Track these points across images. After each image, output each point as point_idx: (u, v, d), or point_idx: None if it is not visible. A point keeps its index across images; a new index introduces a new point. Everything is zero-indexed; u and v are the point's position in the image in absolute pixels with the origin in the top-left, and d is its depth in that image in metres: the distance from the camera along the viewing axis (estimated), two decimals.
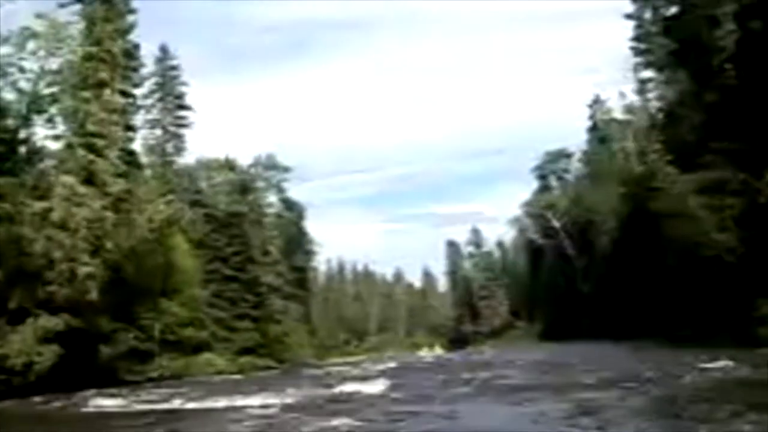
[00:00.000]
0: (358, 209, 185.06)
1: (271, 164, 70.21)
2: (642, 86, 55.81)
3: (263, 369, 50.72)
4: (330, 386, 22.12)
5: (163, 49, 56.94)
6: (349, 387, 20.90)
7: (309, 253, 78.15)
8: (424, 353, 78.48)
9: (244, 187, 61.73)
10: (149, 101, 55.84)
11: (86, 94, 33.52)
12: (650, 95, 55.68)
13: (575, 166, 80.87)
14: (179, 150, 56.61)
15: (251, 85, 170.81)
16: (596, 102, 70.70)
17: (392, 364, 40.29)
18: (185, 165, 57.72)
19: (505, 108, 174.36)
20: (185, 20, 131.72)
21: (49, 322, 29.20)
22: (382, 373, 28.57)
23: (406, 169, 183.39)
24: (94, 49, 34.48)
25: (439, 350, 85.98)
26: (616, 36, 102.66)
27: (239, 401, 18.97)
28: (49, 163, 33.71)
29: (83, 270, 31.09)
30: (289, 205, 72.74)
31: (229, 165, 62.50)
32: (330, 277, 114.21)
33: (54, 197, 31.14)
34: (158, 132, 56.18)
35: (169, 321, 46.41)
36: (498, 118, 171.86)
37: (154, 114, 56.21)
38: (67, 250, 30.35)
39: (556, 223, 78.20)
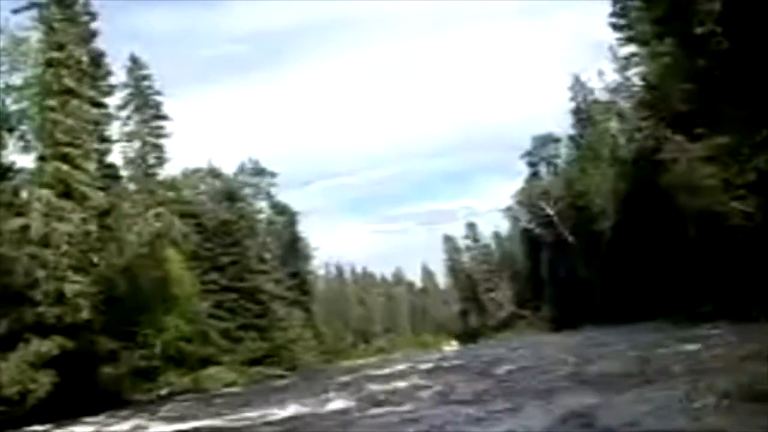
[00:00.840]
0: (346, 213, 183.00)
1: (256, 170, 67.96)
2: (625, 62, 54.27)
3: (275, 378, 48.53)
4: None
5: (133, 59, 54.60)
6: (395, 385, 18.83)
7: (306, 258, 75.87)
8: (447, 348, 76.82)
9: (231, 195, 59.51)
10: (124, 113, 53.51)
11: (52, 102, 31.29)
12: (634, 71, 54.31)
13: (563, 151, 79.02)
14: (161, 161, 54.19)
15: (226, 95, 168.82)
16: (576, 83, 68.87)
17: (420, 362, 37.84)
18: (169, 176, 55.39)
19: (485, 103, 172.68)
20: (150, 36, 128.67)
21: (42, 346, 26.95)
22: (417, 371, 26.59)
23: (390, 170, 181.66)
24: (56, 54, 32.23)
25: (455, 345, 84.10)
26: (591, 23, 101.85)
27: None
28: (23, 177, 31.40)
29: (71, 288, 28.83)
30: (280, 209, 70.47)
31: (214, 173, 60.30)
32: (330, 281, 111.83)
33: (31, 212, 28.88)
34: (137, 144, 53.78)
35: (170, 336, 44.28)
36: (478, 113, 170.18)
37: (131, 126, 53.82)
38: (50, 268, 28.07)
39: (551, 211, 76.44)
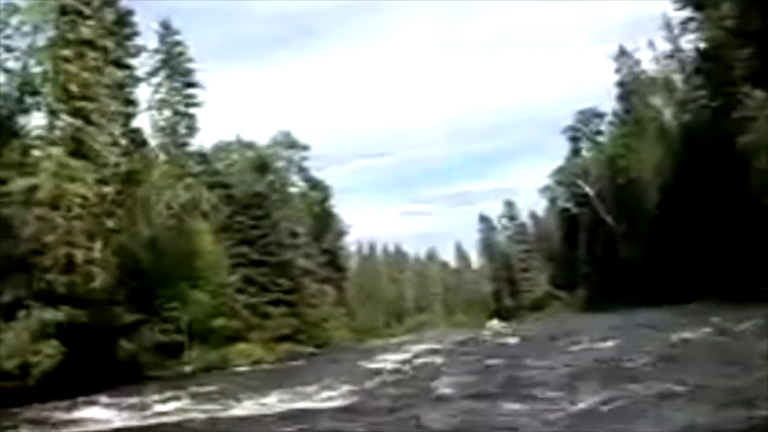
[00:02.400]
0: (380, 193, 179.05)
1: (288, 143, 64.40)
2: (683, 27, 49.87)
3: (304, 355, 45.34)
4: None
5: (165, 25, 51.40)
6: None
7: (339, 235, 72.37)
8: (494, 326, 73.66)
9: (263, 166, 56.15)
10: (155, 80, 50.44)
11: (65, 52, 27.94)
12: (689, 37, 50.14)
13: (606, 127, 74.33)
14: (192, 131, 51.06)
15: (260, 73, 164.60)
16: (622, 54, 64.12)
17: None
18: (200, 147, 52.30)
19: (521, 83, 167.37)
20: (185, 13, 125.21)
21: (46, 314, 23.77)
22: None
23: (424, 150, 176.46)
24: (69, 1, 28.80)
25: (497, 324, 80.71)
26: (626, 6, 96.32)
27: None
28: (36, 135, 28.18)
29: (83, 254, 25.64)
30: (313, 184, 66.95)
31: (246, 145, 57.02)
32: (363, 259, 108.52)
33: (40, 172, 25.72)
34: (167, 113, 50.66)
35: (196, 311, 41.22)
36: (514, 94, 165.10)
37: (162, 94, 50.69)
38: (60, 232, 24.91)
39: (589, 190, 72.65)
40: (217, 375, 33.76)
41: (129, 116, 37.90)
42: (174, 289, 39.87)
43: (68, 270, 25.77)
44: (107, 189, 28.09)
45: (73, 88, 27.74)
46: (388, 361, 24.68)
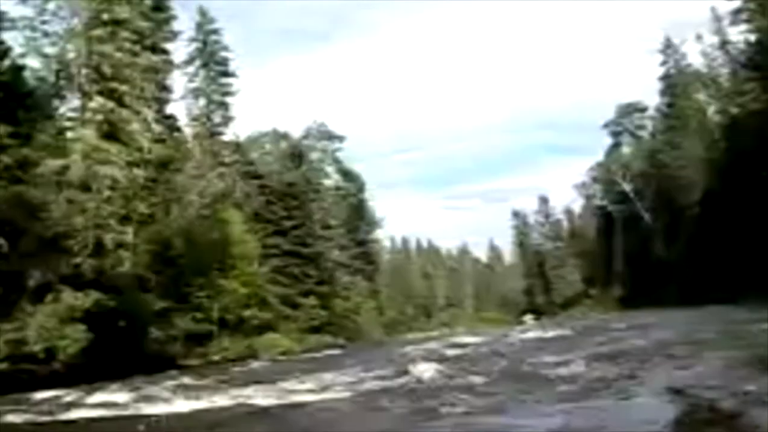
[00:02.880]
0: (414, 187, 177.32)
1: (323, 134, 63.47)
2: (733, 18, 48.01)
3: (333, 347, 44.42)
4: None
5: (202, 12, 50.78)
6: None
7: (372, 227, 71.33)
8: (528, 322, 72.53)
9: (297, 156, 55.31)
10: (191, 68, 49.85)
11: (99, 32, 27.17)
12: (739, 28, 48.32)
13: (647, 122, 72.01)
14: (227, 120, 50.40)
15: (296, 66, 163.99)
16: (668, 47, 61.99)
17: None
18: (235, 136, 51.61)
19: (561, 82, 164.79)
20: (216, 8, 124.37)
21: (73, 298, 23.07)
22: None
23: (460, 146, 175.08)
24: None
25: (531, 321, 79.32)
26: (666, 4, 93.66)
27: None
28: (69, 114, 27.48)
29: (112, 238, 24.91)
30: (347, 175, 65.96)
31: (280, 135, 56.20)
32: (395, 253, 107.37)
33: (72, 153, 25.02)
34: (202, 102, 50.06)
35: (227, 300, 40.54)
36: (554, 92, 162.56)
37: (197, 82, 50.09)
38: (90, 215, 24.19)
39: (627, 186, 70.59)
40: (244, 364, 33.01)
41: (163, 102, 37.22)
42: (206, 278, 39.23)
43: (97, 254, 25.04)
44: (139, 172, 27.24)
45: (106, 68, 27.00)
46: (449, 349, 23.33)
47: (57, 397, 17.55)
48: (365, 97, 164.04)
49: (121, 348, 27.07)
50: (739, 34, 50.67)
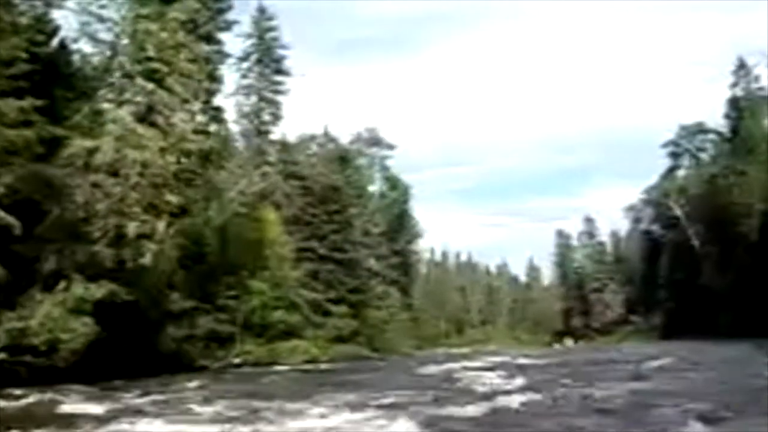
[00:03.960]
0: (457, 202, 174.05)
1: (373, 140, 61.21)
2: None
3: (361, 359, 41.98)
4: None
5: (261, 9, 49.09)
6: None
7: (413, 237, 68.72)
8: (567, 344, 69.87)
9: (343, 161, 53.10)
10: (245, 65, 48.13)
11: (145, 10, 25.30)
12: None
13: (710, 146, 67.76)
14: (276, 118, 48.52)
15: (353, 74, 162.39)
16: (741, 68, 58.12)
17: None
18: (282, 135, 49.72)
19: (613, 103, 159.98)
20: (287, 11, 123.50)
21: (84, 289, 21.11)
22: None
23: (505, 162, 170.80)
24: None
25: (570, 343, 76.12)
26: (723, 26, 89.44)
27: None
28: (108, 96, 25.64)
29: (134, 227, 22.92)
30: (393, 183, 63.53)
31: (329, 137, 54.13)
32: (432, 266, 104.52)
33: (104, 135, 23.13)
34: (253, 99, 48.26)
35: (256, 301, 38.50)
36: (602, 114, 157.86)
37: (250, 79, 48.34)
38: (113, 200, 22.25)
39: (678, 211, 66.57)
40: (263, 371, 30.81)
41: (212, 93, 35.28)
42: (235, 278, 37.29)
43: (118, 243, 23.10)
44: (171, 159, 25.22)
45: (149, 48, 25.09)
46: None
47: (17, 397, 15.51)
48: (417, 110, 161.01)
49: (133, 345, 25.10)
50: None
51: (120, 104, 24.41)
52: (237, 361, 34.59)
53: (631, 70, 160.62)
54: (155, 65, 25.26)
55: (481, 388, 14.80)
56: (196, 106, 34.38)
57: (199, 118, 34.66)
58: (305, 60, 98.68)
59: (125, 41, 28.08)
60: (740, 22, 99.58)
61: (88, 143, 22.76)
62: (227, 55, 37.06)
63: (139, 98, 24.89)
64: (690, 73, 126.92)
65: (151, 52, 25.07)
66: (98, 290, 21.41)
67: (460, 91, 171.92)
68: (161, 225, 28.17)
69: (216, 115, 36.44)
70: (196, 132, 33.38)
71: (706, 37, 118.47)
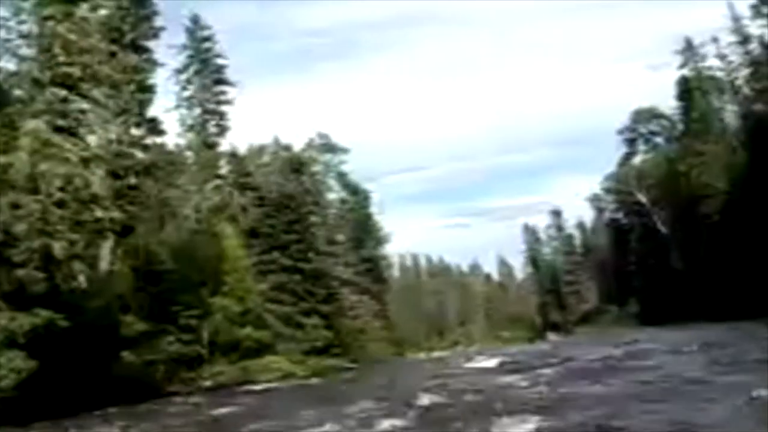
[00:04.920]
0: (420, 205, 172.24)
1: (326, 146, 58.78)
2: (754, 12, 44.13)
3: (339, 370, 39.37)
4: None
5: (194, 19, 46.59)
6: None
7: (380, 243, 66.29)
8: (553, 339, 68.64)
9: (297, 167, 50.61)
10: (184, 76, 45.57)
11: (51, 10, 22.70)
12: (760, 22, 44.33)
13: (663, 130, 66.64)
14: (222, 129, 45.93)
15: (299, 85, 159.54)
16: (688, 48, 56.99)
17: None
18: (232, 147, 47.20)
19: (565, 98, 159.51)
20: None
21: (10, 320, 18.35)
22: None
23: (466, 163, 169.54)
24: None
25: (554, 337, 74.69)
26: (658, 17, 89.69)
27: None
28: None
29: (61, 248, 20.23)
30: (353, 190, 61.15)
31: (281, 146, 51.68)
32: (404, 270, 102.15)
33: (17, 149, 20.46)
34: (197, 111, 45.67)
35: (220, 319, 35.82)
36: (557, 109, 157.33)
37: (191, 91, 45.76)
38: (35, 219, 19.57)
39: (642, 198, 65.43)
40: (234, 392, 28.14)
41: (144, 104, 32.76)
42: (195, 296, 34.62)
43: (46, 266, 20.38)
44: (100, 173, 22.59)
45: (59, 52, 22.47)
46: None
47: None
48: (372, 115, 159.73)
49: (82, 376, 22.37)
50: (760, 28, 46.95)
51: (33, 115, 21.67)
52: (208, 383, 31.84)
53: (574, 66, 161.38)
54: (67, 70, 22.62)
55: None
56: (132, 119, 31.93)
57: (135, 131, 32.21)
58: (251, 71, 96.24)
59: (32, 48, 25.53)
60: (674, 12, 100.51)
61: (1, 159, 20.04)
62: (158, 64, 34.67)
63: (53, 107, 22.20)
64: (633, 63, 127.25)
65: (60, 57, 22.43)
66: (28, 319, 18.62)
67: (414, 96, 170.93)
68: (107, 245, 25.48)
69: (153, 127, 33.96)
70: (132, 144, 30.94)
71: (641, 27, 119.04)
